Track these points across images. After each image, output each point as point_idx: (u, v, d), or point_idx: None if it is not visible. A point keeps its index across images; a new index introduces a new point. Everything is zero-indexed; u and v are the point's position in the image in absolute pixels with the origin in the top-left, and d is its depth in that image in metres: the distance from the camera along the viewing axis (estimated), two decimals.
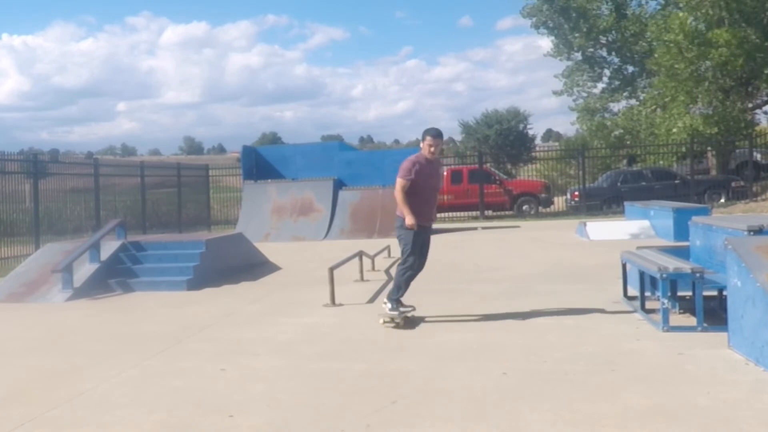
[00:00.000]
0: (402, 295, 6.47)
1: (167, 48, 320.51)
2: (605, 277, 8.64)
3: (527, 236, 15.80)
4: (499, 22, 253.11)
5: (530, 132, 50.89)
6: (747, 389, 4.22)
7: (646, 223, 14.56)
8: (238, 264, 10.97)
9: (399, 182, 6.41)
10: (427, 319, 6.72)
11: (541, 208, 24.47)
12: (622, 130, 29.76)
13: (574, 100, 33.57)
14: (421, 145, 6.56)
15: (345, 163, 19.49)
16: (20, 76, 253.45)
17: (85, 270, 9.59)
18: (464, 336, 6.01)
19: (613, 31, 30.66)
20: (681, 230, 10.80)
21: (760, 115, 29.82)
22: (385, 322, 6.43)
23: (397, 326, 6.34)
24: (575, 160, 26.75)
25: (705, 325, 5.70)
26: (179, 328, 6.88)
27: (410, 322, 6.48)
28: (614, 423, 3.72)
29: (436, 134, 6.50)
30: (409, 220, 6.30)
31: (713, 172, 26.38)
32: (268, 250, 12.79)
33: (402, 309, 6.44)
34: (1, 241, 14.21)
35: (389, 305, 6.42)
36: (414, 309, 6.56)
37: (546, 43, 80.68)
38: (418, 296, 8.13)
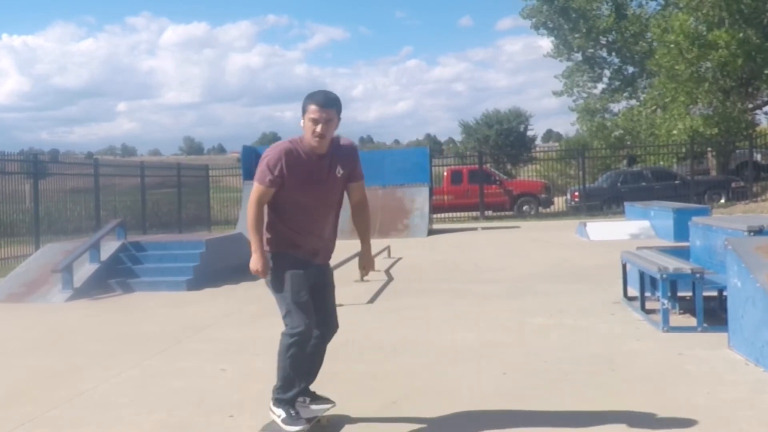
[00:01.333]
0: (298, 392, 3.70)
1: (167, 48, 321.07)
2: (605, 277, 8.64)
3: (527, 236, 15.79)
4: (499, 23, 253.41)
5: (530, 132, 51.00)
6: (747, 389, 4.22)
7: (646, 223, 14.56)
8: (238, 264, 10.90)
9: (254, 189, 3.67)
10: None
11: (541, 209, 24.48)
12: (622, 131, 29.77)
13: (574, 101, 33.61)
14: (302, 121, 3.63)
15: None
16: (20, 76, 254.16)
17: (85, 270, 9.59)
18: (464, 336, 6.01)
19: (613, 32, 30.67)
20: (681, 230, 10.79)
21: (760, 116, 29.89)
22: None
23: None
24: (575, 161, 26.76)
25: (705, 325, 5.70)
26: (179, 328, 6.88)
27: None
28: (614, 423, 3.72)
29: (324, 102, 3.58)
30: (255, 260, 3.68)
31: (713, 173, 26.39)
32: None
33: (297, 417, 3.62)
34: (1, 241, 14.21)
35: (277, 411, 3.67)
36: (330, 405, 3.88)
37: (546, 43, 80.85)
38: (419, 297, 8.15)
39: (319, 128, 3.57)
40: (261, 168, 3.63)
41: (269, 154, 3.63)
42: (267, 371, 5.13)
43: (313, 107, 3.57)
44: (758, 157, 26.09)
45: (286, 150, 3.62)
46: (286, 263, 3.68)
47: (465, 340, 5.83)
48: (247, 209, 3.68)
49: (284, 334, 3.65)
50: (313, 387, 3.87)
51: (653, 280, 6.35)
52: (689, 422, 3.69)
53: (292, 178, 3.61)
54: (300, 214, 3.69)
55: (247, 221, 3.72)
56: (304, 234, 3.71)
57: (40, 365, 5.58)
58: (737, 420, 3.69)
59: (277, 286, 3.70)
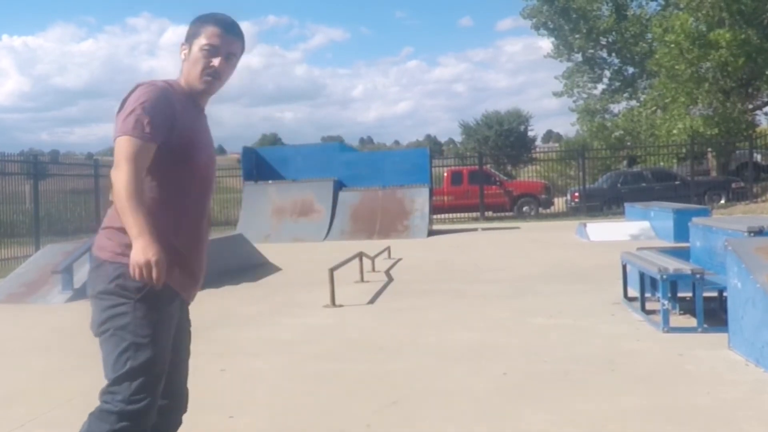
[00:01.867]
0: None
1: (168, 49, 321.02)
2: (605, 277, 8.64)
3: (527, 237, 15.80)
4: (499, 23, 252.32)
5: (531, 133, 51.07)
6: (747, 389, 4.22)
7: (646, 224, 14.57)
8: (238, 265, 10.96)
9: (123, 146, 2.25)
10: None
11: (541, 209, 24.49)
12: (622, 131, 29.79)
13: (574, 101, 33.62)
14: (184, 50, 2.43)
15: (345, 164, 19.50)
16: (20, 76, 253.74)
17: (85, 271, 9.57)
18: (464, 336, 6.01)
19: (614, 33, 30.70)
20: (681, 231, 10.79)
21: (760, 116, 29.92)
22: None
23: None
24: (575, 161, 26.77)
25: (705, 326, 5.70)
26: None
27: None
28: (614, 423, 3.72)
29: (231, 26, 2.42)
30: (144, 246, 2.24)
31: (713, 173, 26.40)
32: (269, 251, 12.78)
33: None
34: (1, 242, 14.21)
35: None
36: None
37: (546, 44, 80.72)
38: (419, 297, 8.14)
39: (217, 62, 2.36)
40: (134, 112, 2.23)
41: (144, 93, 2.27)
42: (267, 371, 5.15)
43: (212, 29, 2.35)
44: (758, 157, 26.09)
45: (168, 90, 2.33)
46: (156, 294, 2.30)
47: (465, 340, 5.82)
48: (116, 176, 2.24)
49: (108, 411, 2.31)
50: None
51: (653, 281, 6.35)
52: (689, 422, 3.68)
53: (177, 135, 2.31)
54: (184, 201, 2.43)
55: (117, 192, 2.24)
56: (190, 238, 2.50)
57: (40, 365, 5.58)
58: (737, 420, 3.69)
59: (124, 324, 2.31)
